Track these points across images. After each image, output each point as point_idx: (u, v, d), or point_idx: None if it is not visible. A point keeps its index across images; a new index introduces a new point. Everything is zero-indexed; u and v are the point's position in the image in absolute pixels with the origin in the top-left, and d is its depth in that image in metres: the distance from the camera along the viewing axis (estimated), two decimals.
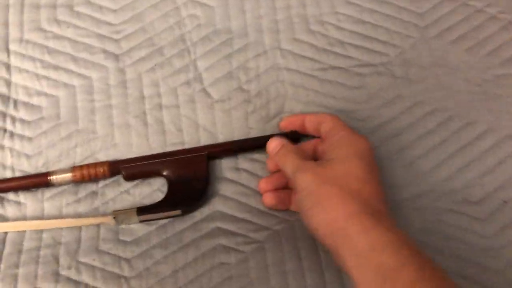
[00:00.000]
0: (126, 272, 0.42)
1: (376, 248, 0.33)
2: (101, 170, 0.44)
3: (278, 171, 0.44)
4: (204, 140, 0.48)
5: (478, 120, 0.49)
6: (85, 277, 0.42)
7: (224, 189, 0.46)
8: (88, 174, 0.44)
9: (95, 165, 0.44)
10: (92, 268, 0.42)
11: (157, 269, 0.43)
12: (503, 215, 0.45)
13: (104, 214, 0.44)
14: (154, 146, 0.47)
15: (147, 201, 0.45)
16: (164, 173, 0.45)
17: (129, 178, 0.45)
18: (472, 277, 0.43)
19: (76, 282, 0.42)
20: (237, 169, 0.47)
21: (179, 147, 0.47)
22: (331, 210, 0.35)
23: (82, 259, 0.43)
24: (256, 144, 0.46)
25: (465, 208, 0.45)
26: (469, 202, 0.46)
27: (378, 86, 0.50)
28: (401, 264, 0.32)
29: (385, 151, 0.48)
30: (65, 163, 0.46)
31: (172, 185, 0.44)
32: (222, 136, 0.48)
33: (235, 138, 0.48)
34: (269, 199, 0.44)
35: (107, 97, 0.49)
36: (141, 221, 0.44)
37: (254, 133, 0.48)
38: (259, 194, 0.45)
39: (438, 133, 0.48)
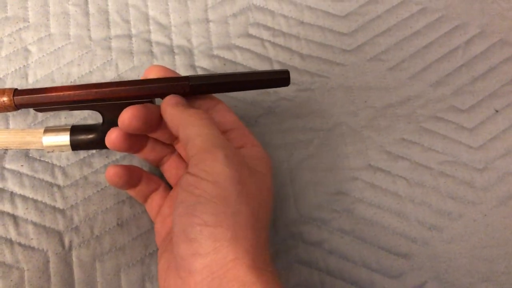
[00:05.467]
0: (60, 180, 0.36)
1: None
2: (1, 102, 0.32)
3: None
4: (155, 33, 0.41)
5: (470, 22, 0.43)
6: (11, 185, 0.36)
7: None
8: None
9: None
10: (19, 174, 0.36)
11: (97, 178, 0.37)
12: (493, 125, 0.40)
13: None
14: (95, 38, 0.40)
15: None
16: (98, 111, 0.34)
17: (43, 111, 0.35)
18: (455, 194, 0.38)
19: (0, 190, 0.35)
20: None
21: (125, 40, 0.40)
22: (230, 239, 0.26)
23: (8, 166, 0.36)
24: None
25: (452, 116, 0.40)
26: (457, 110, 0.40)
27: None
28: None
29: (370, 51, 0.42)
30: None
31: (110, 123, 0.33)
32: (175, 29, 0.41)
33: (191, 33, 0.41)
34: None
35: None
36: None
37: (213, 28, 0.41)
38: None
39: (426, 35, 0.42)
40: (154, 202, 0.34)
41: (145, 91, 0.32)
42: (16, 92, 0.33)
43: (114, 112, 0.32)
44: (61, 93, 0.32)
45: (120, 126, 0.31)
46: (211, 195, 0.26)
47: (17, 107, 0.33)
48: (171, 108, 0.31)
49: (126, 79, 0.39)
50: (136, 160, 0.37)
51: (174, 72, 0.33)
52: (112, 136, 0.31)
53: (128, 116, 0.30)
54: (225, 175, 0.27)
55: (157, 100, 0.34)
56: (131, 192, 0.34)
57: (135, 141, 0.32)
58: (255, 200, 0.28)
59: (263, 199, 0.29)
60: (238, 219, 0.26)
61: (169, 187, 0.35)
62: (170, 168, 0.35)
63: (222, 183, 0.26)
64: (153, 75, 0.33)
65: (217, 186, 0.26)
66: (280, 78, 0.33)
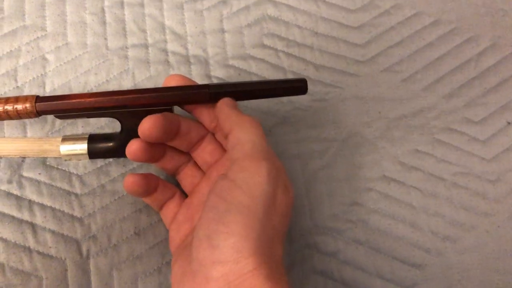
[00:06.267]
0: (78, 188, 0.36)
1: None
2: (24, 108, 0.33)
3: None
4: (171, 43, 0.41)
5: (482, 34, 0.44)
6: (29, 193, 0.36)
7: None
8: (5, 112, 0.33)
9: (16, 99, 0.33)
10: (37, 183, 0.36)
11: (114, 187, 0.37)
12: (506, 137, 0.40)
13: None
14: (112, 47, 0.41)
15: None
16: (117, 119, 0.35)
17: (63, 118, 0.35)
18: (468, 205, 0.38)
19: (18, 198, 0.36)
20: None
21: (142, 50, 0.41)
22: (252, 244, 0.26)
23: (26, 174, 0.36)
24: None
25: (465, 128, 0.40)
26: (470, 122, 0.41)
27: None
28: None
29: (383, 62, 0.42)
30: (7, 64, 0.39)
31: (128, 132, 0.34)
32: (191, 39, 0.41)
33: (207, 43, 0.41)
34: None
35: None
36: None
37: (228, 38, 0.42)
38: None
39: (439, 47, 0.43)
40: (169, 209, 0.34)
41: (166, 99, 0.33)
42: (38, 99, 0.33)
43: (133, 120, 0.33)
44: (83, 100, 0.32)
45: (141, 135, 0.31)
46: (242, 205, 0.26)
47: (38, 113, 0.33)
48: (229, 108, 0.31)
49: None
50: (152, 168, 0.37)
51: (193, 81, 0.34)
52: (133, 147, 0.32)
53: (148, 126, 0.31)
54: (261, 190, 0.27)
55: (176, 108, 0.35)
56: (147, 200, 0.34)
57: (154, 151, 0.33)
58: (279, 216, 0.28)
59: (286, 215, 0.29)
60: (263, 234, 0.26)
61: (184, 194, 0.35)
62: (186, 177, 0.35)
63: (256, 196, 0.27)
64: (173, 83, 0.33)
65: (250, 197, 0.27)
66: (297, 87, 0.34)
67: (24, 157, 0.37)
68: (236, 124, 0.30)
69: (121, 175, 0.37)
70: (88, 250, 0.35)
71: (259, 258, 0.26)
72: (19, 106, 0.33)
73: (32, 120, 0.38)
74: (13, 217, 0.35)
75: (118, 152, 0.35)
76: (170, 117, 0.32)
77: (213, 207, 0.27)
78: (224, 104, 0.32)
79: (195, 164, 0.35)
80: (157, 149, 0.33)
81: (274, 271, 0.26)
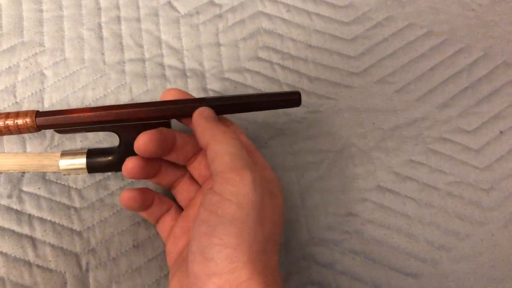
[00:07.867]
0: (77, 202, 0.37)
1: None
2: (24, 122, 0.34)
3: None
4: (168, 57, 0.42)
5: (474, 45, 0.44)
6: (29, 207, 0.36)
7: None
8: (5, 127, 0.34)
9: (16, 114, 0.34)
10: (37, 197, 0.37)
11: (113, 200, 0.37)
12: (499, 146, 0.41)
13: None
14: (109, 62, 0.41)
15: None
16: (115, 133, 0.35)
17: (63, 133, 0.35)
18: (462, 214, 0.39)
19: (18, 212, 0.36)
20: None
21: (139, 64, 0.41)
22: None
23: (26, 188, 0.37)
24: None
25: (459, 137, 0.41)
26: (463, 131, 0.41)
27: (367, 7, 0.45)
28: None
29: (377, 74, 0.43)
30: (6, 80, 0.40)
31: (126, 146, 0.35)
32: (187, 53, 0.42)
33: (203, 57, 0.42)
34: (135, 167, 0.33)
35: (58, 7, 0.43)
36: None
37: (224, 52, 0.43)
38: None
39: (431, 57, 0.44)
40: (166, 223, 0.35)
41: (163, 112, 0.33)
42: (38, 113, 0.34)
43: (131, 133, 0.33)
44: (82, 114, 0.33)
45: (136, 150, 0.32)
46: (233, 217, 0.27)
47: (38, 128, 0.34)
48: (204, 121, 0.32)
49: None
50: (149, 182, 0.38)
51: (190, 95, 0.34)
52: (129, 166, 0.32)
53: (144, 141, 0.31)
54: (249, 199, 0.27)
55: (173, 121, 0.35)
56: (143, 214, 0.35)
57: (150, 168, 0.33)
58: (270, 224, 0.29)
59: (276, 222, 0.30)
60: (255, 242, 0.27)
61: (180, 208, 0.36)
62: (181, 191, 0.36)
63: (245, 206, 0.27)
64: (170, 97, 0.34)
65: (239, 208, 0.27)
66: (292, 99, 0.35)
67: (24, 172, 0.37)
68: (212, 137, 0.30)
69: (120, 188, 0.38)
70: (87, 264, 0.35)
71: (254, 267, 0.26)
72: (20, 121, 0.33)
73: (31, 135, 0.38)
74: (13, 231, 0.35)
75: (116, 166, 0.36)
76: (165, 132, 0.32)
77: (204, 221, 0.28)
78: (200, 115, 0.32)
79: (191, 177, 0.36)
80: (153, 165, 0.34)
81: (270, 280, 0.27)
